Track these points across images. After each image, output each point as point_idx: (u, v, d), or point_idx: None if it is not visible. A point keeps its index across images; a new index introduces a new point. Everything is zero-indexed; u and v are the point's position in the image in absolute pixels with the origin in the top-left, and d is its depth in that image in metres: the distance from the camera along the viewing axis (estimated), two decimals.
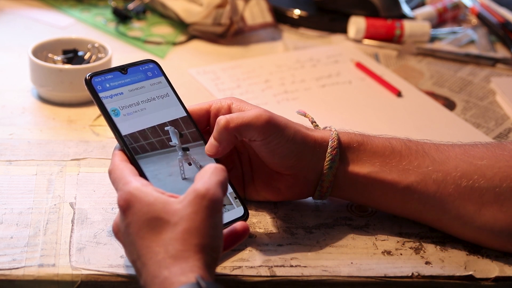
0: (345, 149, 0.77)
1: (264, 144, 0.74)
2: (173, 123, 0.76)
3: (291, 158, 0.75)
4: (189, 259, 0.63)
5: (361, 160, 0.77)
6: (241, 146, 0.80)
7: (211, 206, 0.65)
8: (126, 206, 0.66)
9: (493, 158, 0.75)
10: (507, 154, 0.76)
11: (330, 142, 0.76)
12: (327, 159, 0.76)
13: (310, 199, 0.82)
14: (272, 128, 0.73)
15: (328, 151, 0.76)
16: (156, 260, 0.63)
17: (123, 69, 0.76)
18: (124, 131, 0.73)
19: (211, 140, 0.74)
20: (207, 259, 0.64)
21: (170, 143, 0.74)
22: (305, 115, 0.82)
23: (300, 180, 0.77)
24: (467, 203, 0.75)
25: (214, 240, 0.65)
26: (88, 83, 0.74)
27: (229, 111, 0.77)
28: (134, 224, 0.65)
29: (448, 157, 0.76)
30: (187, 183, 0.72)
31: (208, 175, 0.66)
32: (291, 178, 0.77)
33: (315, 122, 0.81)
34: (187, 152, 0.74)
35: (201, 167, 0.74)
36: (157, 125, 0.75)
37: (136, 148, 0.73)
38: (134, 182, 0.67)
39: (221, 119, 0.73)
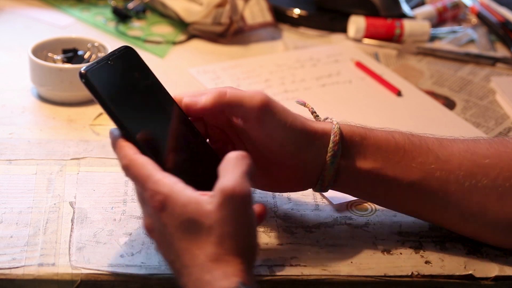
0: (347, 143, 0.75)
1: (260, 127, 0.72)
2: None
3: (290, 145, 0.73)
4: (230, 262, 0.62)
5: (364, 155, 0.75)
6: (236, 138, 0.77)
7: (242, 205, 0.64)
8: (161, 207, 0.64)
9: (497, 157, 0.75)
10: (510, 152, 0.75)
11: (332, 137, 0.74)
12: (329, 154, 0.74)
13: (310, 198, 0.82)
14: (267, 107, 0.71)
15: (330, 146, 0.74)
16: (198, 263, 0.63)
17: (108, 60, 0.72)
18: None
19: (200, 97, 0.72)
20: (246, 260, 0.63)
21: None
22: (304, 104, 0.79)
23: (299, 172, 0.75)
24: (469, 202, 0.74)
25: (251, 239, 0.65)
26: (84, 76, 0.69)
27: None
28: (171, 226, 0.64)
29: (451, 154, 0.75)
30: None
31: (232, 167, 0.65)
32: (290, 171, 0.75)
33: (315, 112, 0.79)
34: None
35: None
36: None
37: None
38: (163, 181, 0.65)
39: (219, 89, 0.72)
